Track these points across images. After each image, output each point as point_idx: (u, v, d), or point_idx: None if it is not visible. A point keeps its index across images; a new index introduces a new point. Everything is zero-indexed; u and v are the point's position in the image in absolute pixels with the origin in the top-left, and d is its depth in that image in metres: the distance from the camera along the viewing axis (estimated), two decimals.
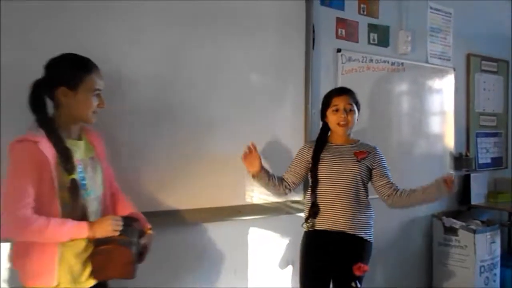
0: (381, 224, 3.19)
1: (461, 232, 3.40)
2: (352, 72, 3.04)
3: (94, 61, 1.64)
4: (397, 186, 2.27)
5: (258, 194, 2.51)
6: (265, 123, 2.55)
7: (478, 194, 3.85)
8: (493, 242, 3.46)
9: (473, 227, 3.42)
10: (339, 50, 2.98)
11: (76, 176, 1.55)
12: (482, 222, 3.60)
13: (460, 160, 3.76)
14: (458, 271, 3.40)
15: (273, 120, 2.58)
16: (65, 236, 1.49)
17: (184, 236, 2.36)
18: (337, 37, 3.00)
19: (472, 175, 3.83)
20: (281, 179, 2.34)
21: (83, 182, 1.59)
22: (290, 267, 2.73)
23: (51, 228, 1.45)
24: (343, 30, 3.03)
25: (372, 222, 2.28)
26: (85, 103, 1.58)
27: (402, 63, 3.33)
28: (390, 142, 3.28)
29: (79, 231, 1.51)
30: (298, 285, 2.33)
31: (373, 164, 2.27)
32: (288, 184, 2.34)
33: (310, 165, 2.27)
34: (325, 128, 2.34)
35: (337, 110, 2.22)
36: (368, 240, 2.25)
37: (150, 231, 1.76)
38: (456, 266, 3.42)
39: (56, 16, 1.93)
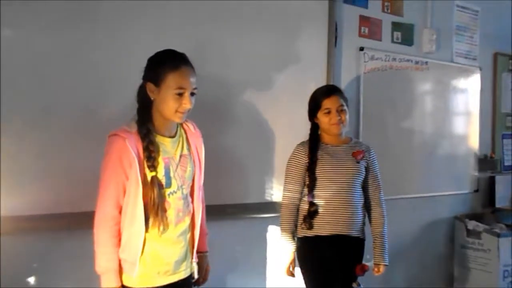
0: (403, 225, 3.20)
1: (484, 236, 3.33)
2: (375, 71, 3.00)
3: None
4: (380, 201, 2.25)
5: (278, 192, 2.51)
6: (287, 121, 2.55)
7: (502, 196, 3.76)
8: None
9: (497, 230, 3.34)
10: (361, 49, 2.95)
11: (159, 174, 1.54)
12: (507, 225, 3.50)
13: (485, 162, 3.69)
14: (481, 275, 3.33)
15: (295, 118, 2.57)
16: (97, 267, 1.54)
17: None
18: (360, 35, 2.97)
19: (497, 177, 3.74)
20: (296, 215, 2.19)
21: (168, 180, 1.57)
22: None
23: (96, 249, 1.53)
24: (366, 28, 3.00)
25: (365, 220, 2.25)
26: (165, 101, 1.53)
27: (426, 62, 3.27)
28: (413, 143, 3.23)
29: (98, 271, 1.54)
30: None
31: (368, 164, 2.23)
32: (298, 205, 2.20)
33: (307, 165, 2.16)
34: (315, 128, 2.24)
35: (329, 112, 2.15)
36: (364, 238, 2.23)
37: None
38: (478, 270, 3.35)
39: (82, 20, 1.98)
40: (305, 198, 2.17)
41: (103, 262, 1.53)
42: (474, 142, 3.60)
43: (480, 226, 3.38)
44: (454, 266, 3.51)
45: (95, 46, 2.02)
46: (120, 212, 1.54)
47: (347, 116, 2.18)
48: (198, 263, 1.78)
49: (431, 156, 3.33)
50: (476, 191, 3.65)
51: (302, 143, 2.23)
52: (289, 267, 2.19)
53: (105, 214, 1.52)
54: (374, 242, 2.24)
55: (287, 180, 2.21)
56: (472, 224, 3.41)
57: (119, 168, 1.50)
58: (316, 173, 2.14)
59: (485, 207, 3.71)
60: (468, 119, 3.58)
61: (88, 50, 2.00)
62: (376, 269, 2.22)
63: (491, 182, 3.73)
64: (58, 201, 1.92)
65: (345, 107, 2.18)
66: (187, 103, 1.54)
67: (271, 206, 2.50)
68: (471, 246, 3.40)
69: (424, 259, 3.38)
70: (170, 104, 1.53)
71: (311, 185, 2.14)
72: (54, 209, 1.91)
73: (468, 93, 3.56)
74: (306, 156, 2.17)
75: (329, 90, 2.22)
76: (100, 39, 2.04)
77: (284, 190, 2.22)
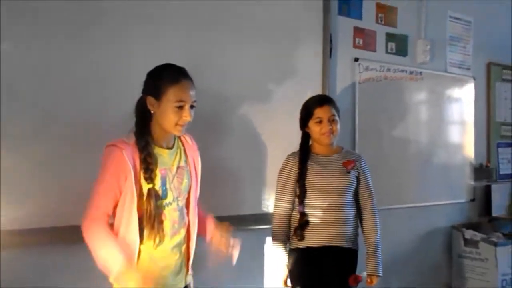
0: (399, 235, 3.20)
1: (481, 245, 3.33)
2: (369, 81, 3.02)
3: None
4: (373, 210, 2.24)
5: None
6: (283, 132, 2.55)
7: (499, 205, 3.77)
8: None
9: (494, 239, 3.34)
10: (356, 59, 2.97)
11: (156, 185, 1.55)
12: (504, 234, 3.51)
13: (481, 171, 3.71)
14: (478, 285, 3.32)
15: (290, 129, 2.57)
16: (98, 263, 1.48)
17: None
18: (355, 46, 3.00)
19: (493, 186, 3.76)
20: (288, 226, 2.19)
21: (164, 192, 1.58)
22: None
23: (92, 247, 1.48)
24: (361, 40, 3.03)
25: (357, 231, 2.23)
26: (165, 114, 1.55)
27: (421, 72, 3.30)
28: (408, 152, 3.24)
29: (108, 269, 1.47)
30: None
31: (360, 174, 2.23)
32: (290, 215, 2.20)
33: (298, 175, 2.16)
34: (306, 138, 2.24)
35: (320, 122, 2.16)
36: (357, 249, 2.21)
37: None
38: (476, 279, 3.34)
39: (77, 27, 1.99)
40: (296, 209, 2.16)
41: (111, 261, 1.45)
42: (469, 151, 3.62)
43: (477, 235, 3.37)
44: (451, 276, 3.50)
45: (95, 49, 2.03)
46: (108, 219, 1.52)
47: (338, 126, 2.18)
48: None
49: (427, 166, 3.34)
50: (473, 200, 3.65)
51: (292, 154, 2.23)
52: (285, 279, 2.18)
53: (95, 218, 1.49)
54: (367, 252, 2.23)
55: (278, 191, 2.21)
56: (469, 234, 3.41)
57: (114, 183, 1.50)
58: (306, 184, 2.13)
59: (481, 216, 3.72)
60: (462, 128, 3.60)
61: (87, 55, 2.01)
62: (369, 280, 2.20)
63: (487, 191, 3.74)
64: (57, 214, 1.91)
65: (337, 117, 2.18)
66: (187, 116, 1.56)
67: (267, 218, 2.47)
68: (468, 256, 3.39)
69: (422, 269, 3.37)
70: (171, 117, 1.55)
71: (302, 196, 2.14)
72: (51, 222, 1.90)
73: (462, 102, 3.59)
74: (296, 167, 2.17)
75: (322, 100, 2.22)
76: (100, 46, 2.04)
77: (275, 200, 2.22)
